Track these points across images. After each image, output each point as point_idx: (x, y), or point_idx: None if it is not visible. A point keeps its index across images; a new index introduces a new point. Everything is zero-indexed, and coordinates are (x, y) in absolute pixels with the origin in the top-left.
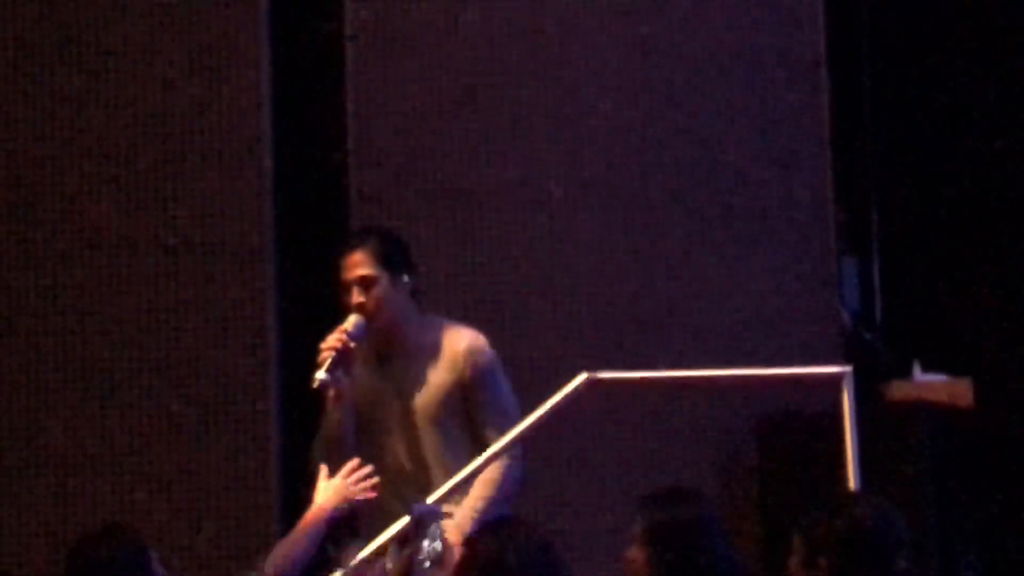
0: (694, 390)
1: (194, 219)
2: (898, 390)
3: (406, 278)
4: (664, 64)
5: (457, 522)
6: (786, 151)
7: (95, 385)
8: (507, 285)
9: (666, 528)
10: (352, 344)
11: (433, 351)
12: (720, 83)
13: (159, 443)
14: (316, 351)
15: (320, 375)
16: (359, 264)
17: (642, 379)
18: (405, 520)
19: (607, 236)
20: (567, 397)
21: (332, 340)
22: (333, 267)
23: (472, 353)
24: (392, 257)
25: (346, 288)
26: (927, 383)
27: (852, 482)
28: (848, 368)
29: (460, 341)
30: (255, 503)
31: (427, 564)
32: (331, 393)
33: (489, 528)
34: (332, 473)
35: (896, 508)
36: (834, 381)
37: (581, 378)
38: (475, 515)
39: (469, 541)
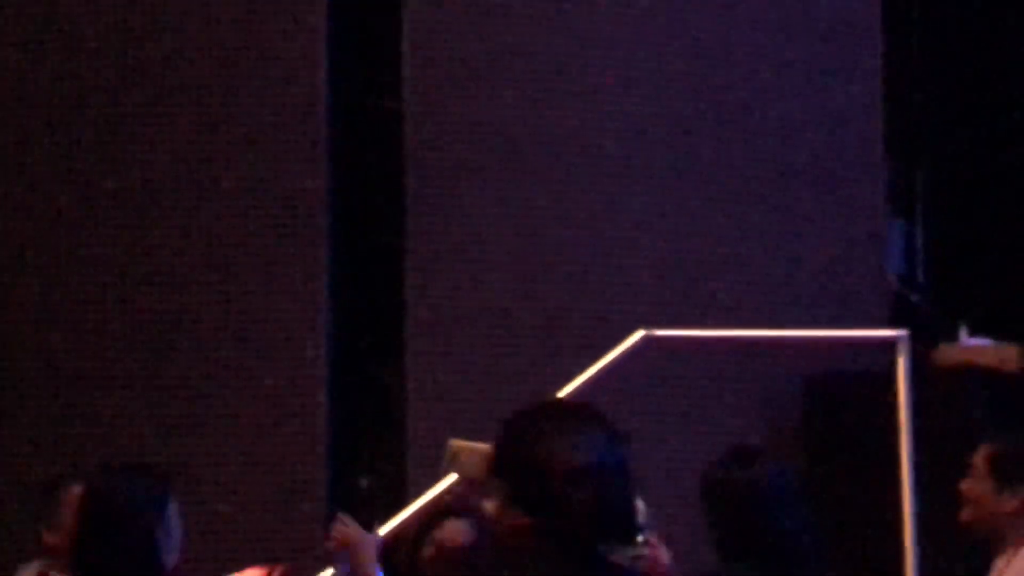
0: (746, 348)
1: (248, 166)
2: (945, 353)
3: None
4: (718, 24)
5: None
6: (836, 115)
7: (150, 332)
8: (562, 241)
9: (721, 488)
10: None
11: None
12: (772, 47)
13: (209, 387)
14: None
15: None
16: None
17: (699, 337)
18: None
19: (660, 196)
20: (625, 353)
21: None
22: (386, 217)
23: None
24: None
25: None
26: (975, 347)
27: (904, 444)
28: (904, 332)
29: None
30: (303, 448)
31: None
32: None
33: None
34: None
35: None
36: (886, 344)
37: (638, 335)
38: None
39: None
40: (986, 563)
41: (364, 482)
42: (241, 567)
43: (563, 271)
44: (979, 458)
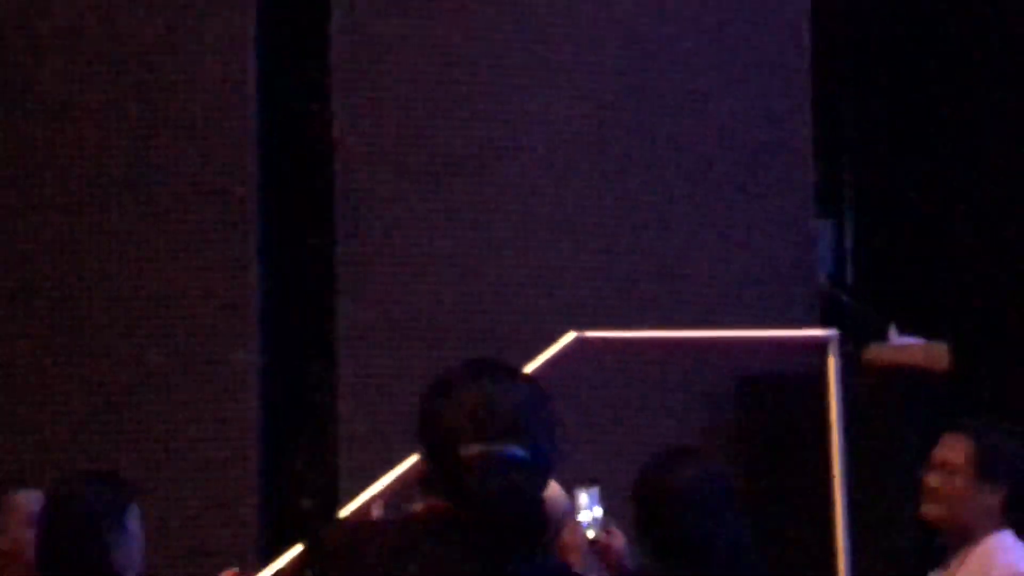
0: (677, 350)
1: (178, 170)
2: (875, 352)
3: None
4: (646, 25)
5: None
6: (765, 117)
7: (81, 337)
8: (493, 244)
9: (649, 492)
10: None
11: None
12: (701, 50)
13: (141, 392)
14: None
15: None
16: None
17: (630, 338)
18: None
19: (590, 198)
20: (557, 355)
21: None
22: (316, 219)
23: None
24: None
25: None
26: (904, 346)
27: (835, 443)
28: (835, 332)
29: None
30: (235, 453)
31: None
32: None
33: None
34: None
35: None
36: (819, 344)
37: (570, 336)
38: None
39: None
40: (919, 558)
41: (306, 503)
42: (176, 573)
43: (494, 272)
44: (954, 454)
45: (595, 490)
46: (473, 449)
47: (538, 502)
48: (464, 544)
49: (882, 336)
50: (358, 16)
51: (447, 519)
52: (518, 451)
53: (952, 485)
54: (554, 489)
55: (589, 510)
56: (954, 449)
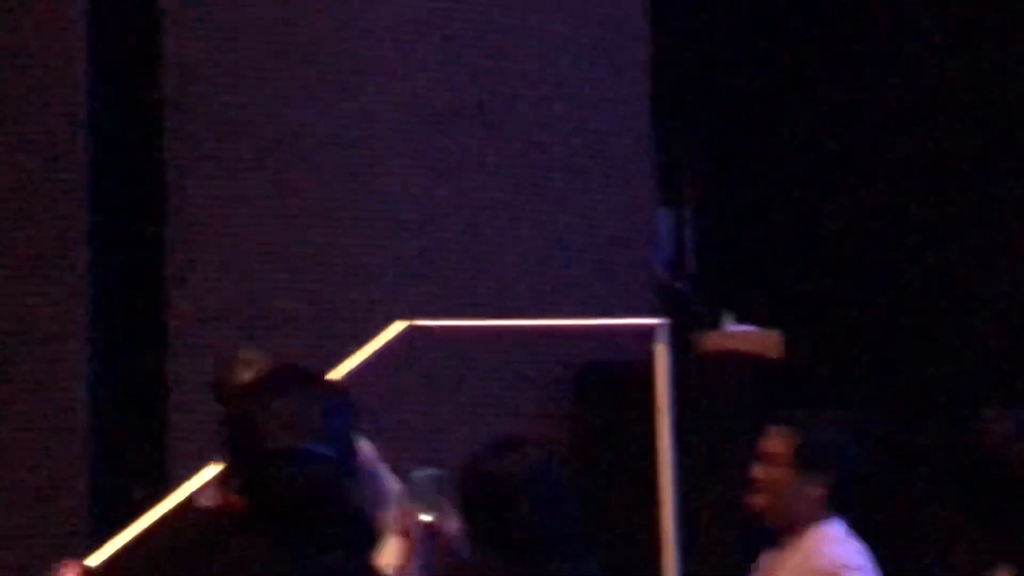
0: (512, 338)
1: (6, 151)
2: (710, 340)
3: None
4: (483, 11)
5: None
6: (605, 105)
7: None
8: (326, 232)
9: (476, 481)
10: None
11: None
12: (539, 36)
13: None
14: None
15: None
16: None
17: (461, 327)
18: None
19: (426, 186)
20: (388, 344)
21: None
22: (146, 208)
23: None
24: None
25: None
26: (738, 334)
27: (663, 431)
28: (664, 320)
29: None
30: (63, 443)
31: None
32: None
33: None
34: None
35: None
36: (650, 332)
37: (400, 326)
38: None
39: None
40: (746, 547)
41: (138, 493)
42: (2, 559)
43: (328, 262)
44: (776, 445)
45: (433, 474)
46: (279, 443)
47: (343, 500)
48: (263, 540)
49: (718, 324)
50: (188, 9)
51: (246, 516)
52: (323, 449)
53: (775, 476)
54: (392, 484)
55: (426, 495)
56: (777, 440)
